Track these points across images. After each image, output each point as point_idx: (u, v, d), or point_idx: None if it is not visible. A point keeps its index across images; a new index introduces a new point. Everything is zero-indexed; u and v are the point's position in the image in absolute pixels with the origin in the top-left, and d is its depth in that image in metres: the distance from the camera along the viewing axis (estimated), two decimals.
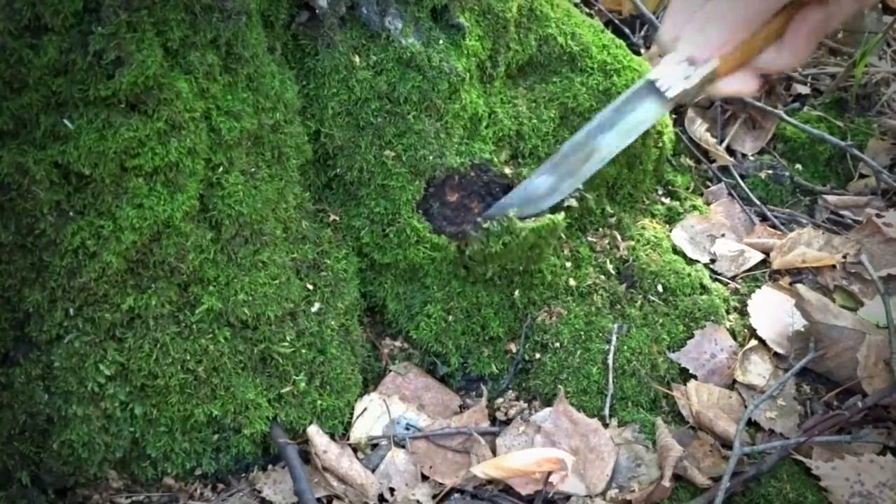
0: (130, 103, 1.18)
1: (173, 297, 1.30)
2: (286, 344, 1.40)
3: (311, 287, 1.45)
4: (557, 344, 1.56)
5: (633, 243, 1.70)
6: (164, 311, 1.30)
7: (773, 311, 1.65)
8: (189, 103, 1.23)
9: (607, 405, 1.51)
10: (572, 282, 1.62)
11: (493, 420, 1.53)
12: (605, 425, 1.48)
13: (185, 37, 1.21)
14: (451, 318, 1.54)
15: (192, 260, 1.29)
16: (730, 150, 2.05)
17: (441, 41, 1.47)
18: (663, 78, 1.23)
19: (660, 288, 1.65)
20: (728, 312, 1.67)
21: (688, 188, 1.90)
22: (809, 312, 1.59)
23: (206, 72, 1.25)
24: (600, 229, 1.71)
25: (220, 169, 1.30)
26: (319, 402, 1.43)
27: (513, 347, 1.58)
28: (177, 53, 1.22)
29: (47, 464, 1.31)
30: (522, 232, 1.47)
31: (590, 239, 1.69)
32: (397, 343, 1.58)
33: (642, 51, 2.21)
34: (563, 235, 1.65)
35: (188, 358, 1.32)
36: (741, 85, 1.21)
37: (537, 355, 1.57)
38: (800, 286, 1.65)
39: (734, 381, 1.57)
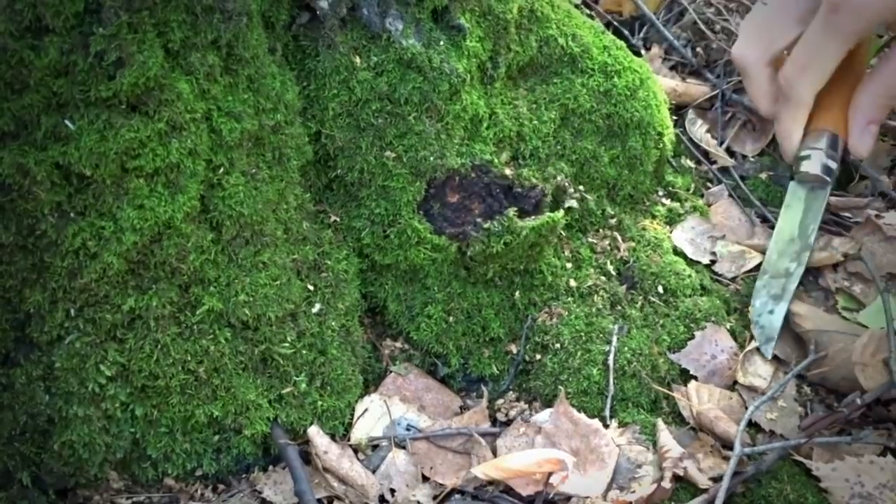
0: (131, 104, 1.18)
1: (174, 298, 1.30)
2: (287, 345, 1.40)
3: (311, 288, 1.45)
4: (558, 345, 1.56)
5: (633, 244, 1.70)
6: (164, 311, 1.30)
7: None
8: (190, 104, 1.23)
9: (608, 406, 1.51)
10: (573, 283, 1.62)
11: (494, 421, 1.53)
12: (606, 426, 1.48)
13: (186, 38, 1.21)
14: (451, 319, 1.54)
15: (192, 261, 1.29)
16: (730, 152, 2.05)
17: (442, 42, 1.47)
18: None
19: (660, 289, 1.65)
20: (729, 313, 1.67)
21: (688, 189, 1.90)
22: (799, 323, 1.60)
23: (207, 73, 1.25)
24: (601, 230, 1.71)
25: (221, 170, 1.30)
26: (320, 402, 1.43)
27: (513, 348, 1.58)
28: (178, 54, 1.22)
29: (48, 464, 1.31)
30: (523, 231, 1.47)
31: (590, 240, 1.69)
32: (398, 344, 1.58)
33: (643, 52, 2.21)
34: (563, 236, 1.65)
35: (189, 359, 1.32)
36: None
37: (538, 356, 1.57)
38: None
39: (735, 383, 1.57)
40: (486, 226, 1.47)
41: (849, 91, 1.78)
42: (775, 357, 1.60)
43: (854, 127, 1.46)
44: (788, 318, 1.62)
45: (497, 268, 1.53)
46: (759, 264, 1.73)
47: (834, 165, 1.73)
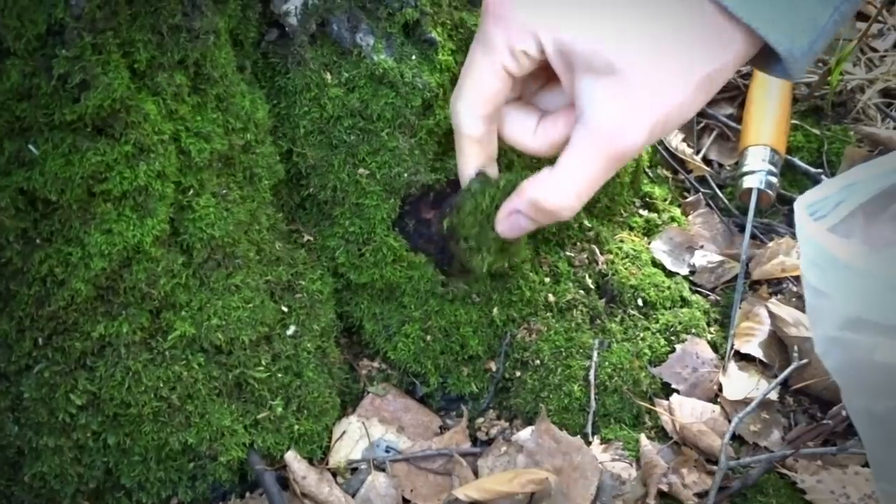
0: (97, 127, 1.15)
1: (145, 324, 1.27)
2: (261, 368, 1.37)
3: (285, 309, 1.42)
4: (538, 361, 1.54)
5: (611, 257, 1.68)
6: (135, 338, 1.27)
7: (753, 323, 1.63)
8: (157, 125, 1.20)
9: (590, 422, 1.50)
10: (551, 298, 1.60)
11: (475, 440, 1.51)
12: (589, 443, 1.47)
13: (153, 58, 1.18)
14: (429, 337, 1.52)
15: (163, 285, 1.26)
16: (706, 161, 2.04)
17: (414, 57, 1.45)
18: None
19: (640, 302, 1.63)
20: (709, 325, 1.65)
21: (665, 200, 1.89)
22: (781, 327, 1.58)
23: (175, 93, 1.22)
24: (578, 244, 1.69)
25: (191, 192, 1.27)
26: (297, 426, 1.41)
27: (492, 366, 1.56)
28: (144, 75, 1.19)
29: (19, 497, 1.28)
30: (501, 181, 1.38)
31: (568, 254, 1.67)
32: (375, 364, 1.55)
33: None
34: (540, 250, 1.63)
35: (161, 385, 1.29)
36: None
37: (517, 373, 1.55)
38: (771, 301, 1.64)
39: (717, 395, 1.56)
40: (464, 186, 1.36)
41: (783, 108, 1.92)
42: (759, 361, 1.59)
43: (504, 208, 1.27)
44: (771, 321, 1.61)
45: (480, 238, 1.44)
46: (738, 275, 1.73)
47: (775, 180, 1.84)
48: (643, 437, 1.47)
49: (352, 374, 1.54)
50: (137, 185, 1.19)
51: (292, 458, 1.39)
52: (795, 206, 1.04)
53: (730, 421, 1.49)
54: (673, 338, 1.61)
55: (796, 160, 1.95)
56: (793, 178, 1.96)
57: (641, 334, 1.60)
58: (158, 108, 1.21)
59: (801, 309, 1.66)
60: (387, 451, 1.46)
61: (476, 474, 1.43)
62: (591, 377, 1.52)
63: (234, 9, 1.31)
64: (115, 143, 1.17)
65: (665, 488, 1.39)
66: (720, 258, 1.77)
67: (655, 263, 1.73)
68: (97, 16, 1.09)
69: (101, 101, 1.12)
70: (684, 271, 1.75)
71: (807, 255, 1.05)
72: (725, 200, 1.90)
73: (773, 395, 1.54)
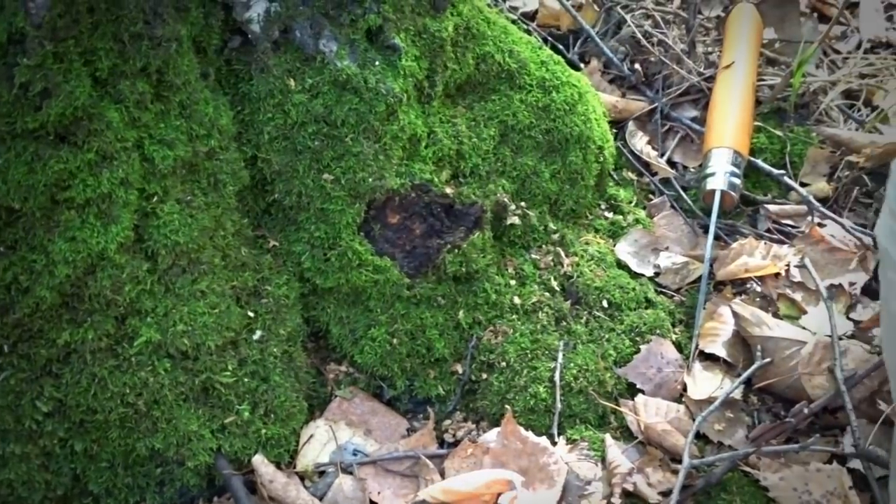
0: (59, 135, 1.16)
1: (110, 330, 1.28)
2: (228, 373, 1.38)
3: (251, 314, 1.43)
4: (503, 363, 1.55)
5: (577, 259, 1.70)
6: (101, 344, 1.27)
7: (717, 323, 1.65)
8: (120, 133, 1.21)
9: (555, 423, 1.51)
10: (517, 300, 1.61)
11: (442, 442, 1.51)
12: (554, 444, 1.47)
13: (115, 66, 1.19)
14: (395, 340, 1.52)
15: (128, 292, 1.27)
16: (671, 163, 2.05)
17: (377, 62, 1.46)
18: None
19: (605, 303, 1.65)
20: (674, 325, 1.66)
21: (630, 202, 1.90)
22: (744, 327, 1.60)
23: (137, 100, 1.23)
24: (544, 246, 1.70)
25: (155, 198, 1.28)
26: (264, 430, 1.41)
27: (459, 368, 1.57)
28: (106, 83, 1.20)
29: None
30: None
31: (533, 256, 1.68)
32: (342, 368, 1.56)
33: (581, 66, 2.21)
34: (506, 253, 1.64)
35: (127, 391, 1.29)
36: None
37: (484, 375, 1.56)
38: (735, 302, 1.66)
39: (681, 395, 1.57)
40: None
41: (746, 110, 1.95)
42: (723, 361, 1.60)
43: None
44: (735, 321, 1.63)
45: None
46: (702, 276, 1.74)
47: (738, 182, 1.86)
48: (608, 437, 1.48)
49: (319, 378, 1.54)
50: (101, 192, 1.20)
51: (260, 462, 1.40)
52: (892, 166, 1.02)
53: (694, 420, 1.50)
54: (638, 338, 1.62)
55: (759, 162, 1.97)
56: (756, 179, 1.98)
57: (606, 335, 1.61)
58: (121, 116, 1.21)
59: (765, 309, 1.68)
60: (354, 454, 1.47)
61: (443, 476, 1.44)
62: (557, 378, 1.53)
63: (196, 16, 1.32)
64: (78, 151, 1.18)
65: (630, 488, 1.40)
66: (685, 259, 1.78)
67: (620, 265, 1.74)
68: (58, 24, 1.10)
69: (64, 109, 1.13)
70: (649, 272, 1.76)
71: (887, 225, 1.02)
72: (690, 202, 1.91)
73: (737, 394, 1.55)
